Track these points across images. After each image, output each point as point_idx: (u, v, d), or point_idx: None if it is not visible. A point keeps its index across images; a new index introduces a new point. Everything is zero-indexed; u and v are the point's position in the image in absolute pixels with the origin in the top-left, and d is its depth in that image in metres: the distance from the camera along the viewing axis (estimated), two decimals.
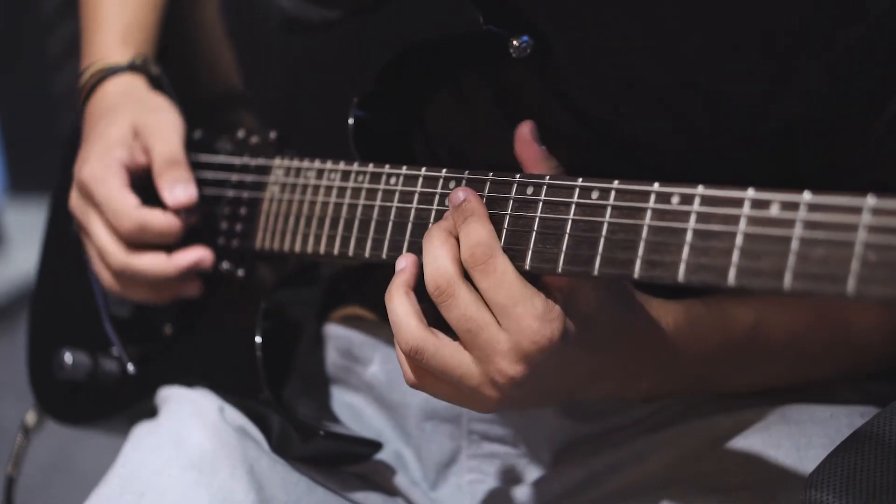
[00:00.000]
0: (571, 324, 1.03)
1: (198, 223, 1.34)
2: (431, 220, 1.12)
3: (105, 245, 1.34)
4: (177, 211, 1.33)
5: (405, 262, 1.09)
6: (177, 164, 1.35)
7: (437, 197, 1.12)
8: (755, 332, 1.17)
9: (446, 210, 1.10)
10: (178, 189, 1.33)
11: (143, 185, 1.35)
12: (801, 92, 1.10)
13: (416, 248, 1.11)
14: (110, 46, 1.46)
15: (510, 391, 1.03)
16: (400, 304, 1.06)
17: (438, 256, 1.05)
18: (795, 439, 1.18)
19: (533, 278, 1.03)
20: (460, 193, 1.06)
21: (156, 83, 1.44)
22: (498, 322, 1.01)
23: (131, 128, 1.37)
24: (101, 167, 1.34)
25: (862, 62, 1.07)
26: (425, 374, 1.07)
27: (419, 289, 1.07)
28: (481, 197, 1.07)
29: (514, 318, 1.00)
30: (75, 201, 1.38)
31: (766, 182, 0.92)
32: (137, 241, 1.33)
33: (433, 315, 1.05)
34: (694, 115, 1.13)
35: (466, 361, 1.04)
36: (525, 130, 1.11)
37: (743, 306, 1.16)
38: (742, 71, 1.11)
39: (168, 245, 1.33)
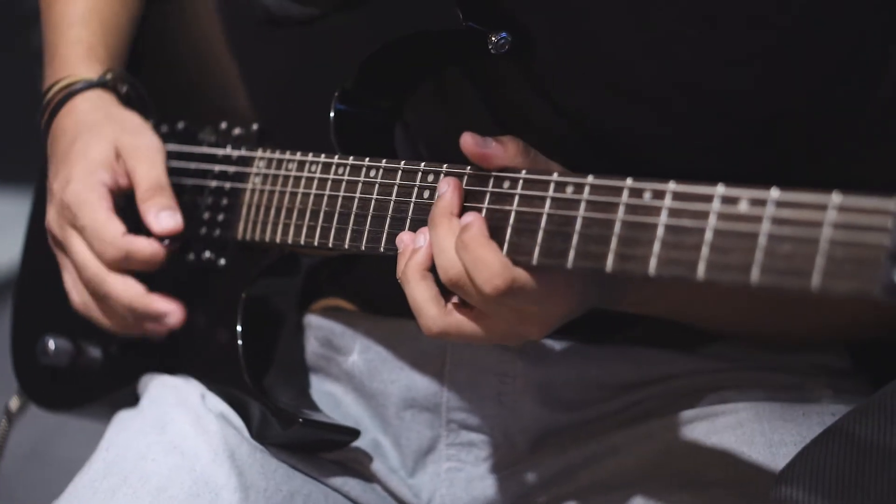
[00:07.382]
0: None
1: (178, 250, 1.32)
2: (409, 212, 1.13)
3: (85, 260, 1.31)
4: (161, 238, 1.31)
5: (421, 241, 1.09)
6: (161, 189, 1.32)
7: (415, 189, 1.13)
8: None
9: (424, 203, 1.11)
10: (164, 216, 1.31)
11: (124, 208, 1.33)
12: (788, 84, 1.09)
13: (394, 240, 1.13)
14: (76, 62, 1.40)
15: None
16: (418, 291, 1.08)
17: (446, 248, 1.05)
18: (768, 436, 1.20)
19: None
20: (470, 219, 1.06)
21: (125, 101, 1.41)
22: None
23: (113, 148, 1.34)
24: (85, 190, 1.31)
25: (850, 54, 1.06)
26: (448, 335, 1.10)
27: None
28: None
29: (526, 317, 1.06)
30: (55, 221, 1.34)
31: (753, 173, 0.93)
32: (120, 269, 1.31)
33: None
34: (679, 109, 1.13)
35: (488, 327, 1.07)
36: (468, 143, 1.07)
37: None
38: (729, 64, 1.10)
39: (150, 273, 1.32)
